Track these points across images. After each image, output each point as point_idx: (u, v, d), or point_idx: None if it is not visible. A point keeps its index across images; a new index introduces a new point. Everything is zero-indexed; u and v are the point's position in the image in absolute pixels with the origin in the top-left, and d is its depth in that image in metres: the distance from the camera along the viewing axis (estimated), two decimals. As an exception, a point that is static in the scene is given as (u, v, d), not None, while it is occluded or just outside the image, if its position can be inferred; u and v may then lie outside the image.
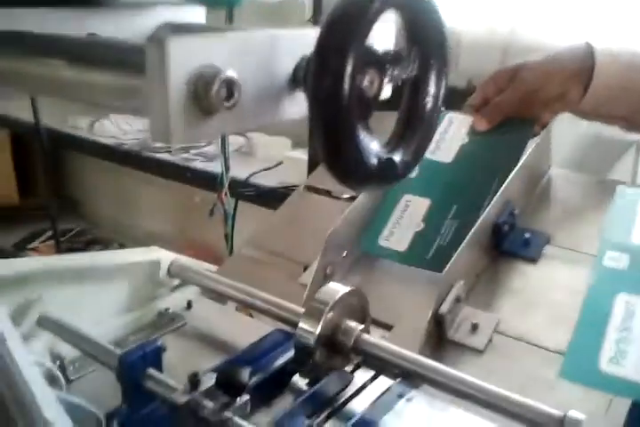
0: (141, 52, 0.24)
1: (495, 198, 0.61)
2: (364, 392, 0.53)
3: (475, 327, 0.56)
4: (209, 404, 0.42)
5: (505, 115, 0.68)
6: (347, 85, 0.26)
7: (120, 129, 1.76)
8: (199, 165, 1.48)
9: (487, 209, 0.60)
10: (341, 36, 0.26)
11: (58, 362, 0.55)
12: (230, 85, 0.25)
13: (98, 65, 0.28)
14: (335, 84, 0.26)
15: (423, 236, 0.64)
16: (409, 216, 0.66)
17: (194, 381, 0.42)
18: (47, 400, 0.28)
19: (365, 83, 0.28)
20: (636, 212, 0.45)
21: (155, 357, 0.48)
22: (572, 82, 0.65)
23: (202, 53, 0.24)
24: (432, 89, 0.31)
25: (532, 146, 0.67)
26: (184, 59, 0.24)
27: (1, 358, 0.25)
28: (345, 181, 0.30)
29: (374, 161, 0.29)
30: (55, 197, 1.71)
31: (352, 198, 0.77)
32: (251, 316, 0.68)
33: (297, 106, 0.29)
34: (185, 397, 0.42)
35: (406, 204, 0.67)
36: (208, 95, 0.24)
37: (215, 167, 1.38)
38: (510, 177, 0.63)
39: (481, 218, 0.60)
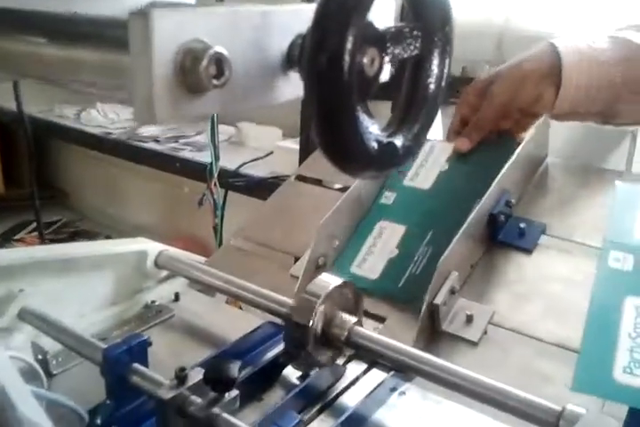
0: (125, 27, 0.23)
1: (491, 188, 0.60)
2: (356, 386, 0.52)
3: (469, 319, 0.55)
4: (196, 400, 0.41)
5: (485, 131, 0.67)
6: (347, 63, 0.24)
7: (107, 118, 1.73)
8: (188, 154, 1.46)
9: (483, 199, 0.59)
10: (341, 10, 0.24)
11: (40, 356, 0.53)
12: (220, 62, 0.23)
13: (80, 42, 0.26)
14: (334, 62, 0.24)
15: (396, 263, 0.61)
16: (383, 243, 0.63)
17: (181, 376, 0.41)
18: (23, 397, 0.26)
19: (365, 61, 0.26)
20: (637, 210, 0.44)
21: (140, 351, 0.47)
22: (543, 85, 0.65)
23: (189, 28, 0.22)
24: (435, 69, 0.30)
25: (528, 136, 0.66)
26: (170, 33, 0.22)
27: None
28: (343, 166, 0.28)
29: (374, 145, 0.27)
30: (41, 187, 1.68)
31: (344, 189, 0.76)
32: (240, 309, 0.67)
33: (291, 87, 0.27)
34: (171, 392, 0.40)
35: (381, 230, 0.64)
36: (196, 72, 0.22)
37: (204, 157, 1.36)
38: (507, 166, 0.62)
39: (477, 208, 0.58)
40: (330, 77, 0.24)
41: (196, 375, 0.41)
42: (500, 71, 0.68)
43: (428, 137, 0.68)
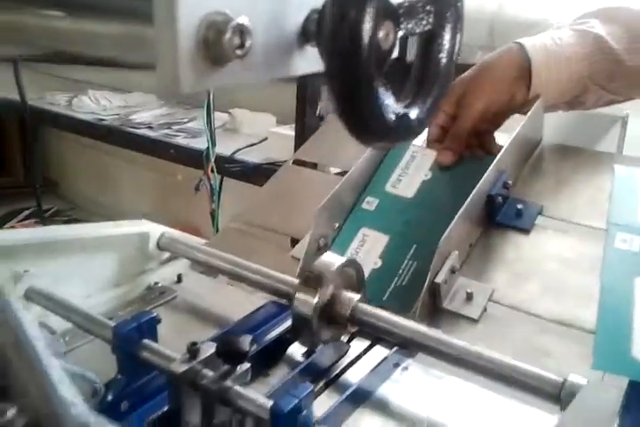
0: (148, -1, 0.23)
1: (489, 170, 0.61)
2: (359, 362, 0.53)
3: (469, 297, 0.56)
4: (208, 373, 0.42)
5: (465, 141, 0.67)
6: (367, 36, 0.25)
7: (99, 105, 1.72)
8: (182, 141, 1.45)
9: (481, 180, 0.60)
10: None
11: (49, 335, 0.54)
12: (242, 33, 0.24)
13: (100, 14, 0.26)
14: (356, 35, 0.25)
15: (380, 275, 0.61)
16: (365, 252, 0.63)
17: (193, 350, 0.42)
18: (53, 367, 0.27)
19: (381, 35, 0.27)
20: (638, 192, 0.45)
21: (150, 328, 0.47)
22: (515, 87, 0.66)
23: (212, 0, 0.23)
24: (447, 44, 0.31)
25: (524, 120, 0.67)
26: (194, 5, 0.23)
27: (7, 320, 0.24)
28: (361, 136, 0.29)
29: (392, 117, 0.28)
30: (32, 175, 1.67)
31: (341, 173, 0.77)
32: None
33: (306, 61, 0.28)
34: (184, 366, 0.41)
35: (363, 238, 0.64)
36: (219, 43, 0.23)
37: (198, 144, 1.36)
38: (504, 149, 0.63)
39: (475, 189, 0.59)
40: (352, 50, 0.25)
41: (208, 349, 0.42)
42: (471, 77, 0.68)
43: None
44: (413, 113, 0.30)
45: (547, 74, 0.66)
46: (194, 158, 1.30)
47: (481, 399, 0.48)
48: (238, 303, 0.62)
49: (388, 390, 0.50)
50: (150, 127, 1.55)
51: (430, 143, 0.70)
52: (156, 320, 0.48)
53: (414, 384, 0.51)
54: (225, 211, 1.25)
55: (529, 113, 0.67)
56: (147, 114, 1.66)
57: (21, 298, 0.56)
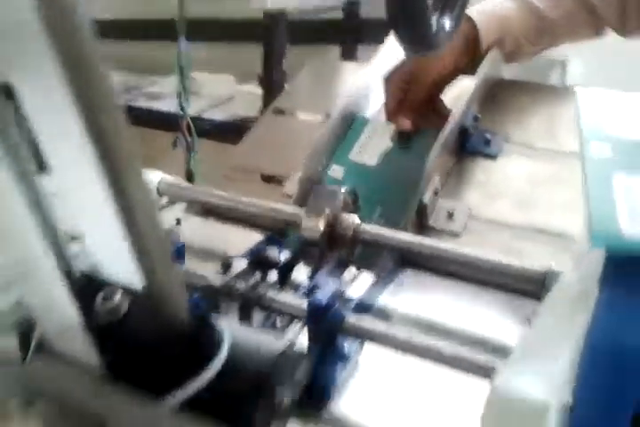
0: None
1: (459, 106, 0.68)
2: (357, 280, 0.59)
3: (451, 215, 0.63)
4: (242, 284, 0.47)
5: (419, 109, 0.73)
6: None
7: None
8: (143, 104, 1.46)
9: (454, 115, 0.67)
10: None
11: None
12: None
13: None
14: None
15: None
16: None
17: (226, 264, 0.47)
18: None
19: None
20: (601, 110, 0.51)
21: (179, 254, 0.52)
22: (460, 56, 0.73)
23: None
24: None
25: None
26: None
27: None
28: (414, 48, 0.35)
29: (434, 29, 0.35)
30: None
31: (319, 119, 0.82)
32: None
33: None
34: (219, 279, 0.46)
35: None
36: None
37: (160, 106, 1.38)
38: (473, 89, 0.69)
39: (450, 123, 0.66)
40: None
41: (238, 264, 0.47)
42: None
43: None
44: (447, 23, 0.37)
45: (492, 36, 0.74)
46: (159, 120, 1.31)
47: (470, 300, 0.55)
48: (238, 240, 0.67)
49: (387, 302, 0.56)
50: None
51: (390, 116, 0.75)
52: (183, 247, 0.53)
53: (411, 294, 0.57)
54: (199, 169, 1.28)
55: (487, 58, 0.74)
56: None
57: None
